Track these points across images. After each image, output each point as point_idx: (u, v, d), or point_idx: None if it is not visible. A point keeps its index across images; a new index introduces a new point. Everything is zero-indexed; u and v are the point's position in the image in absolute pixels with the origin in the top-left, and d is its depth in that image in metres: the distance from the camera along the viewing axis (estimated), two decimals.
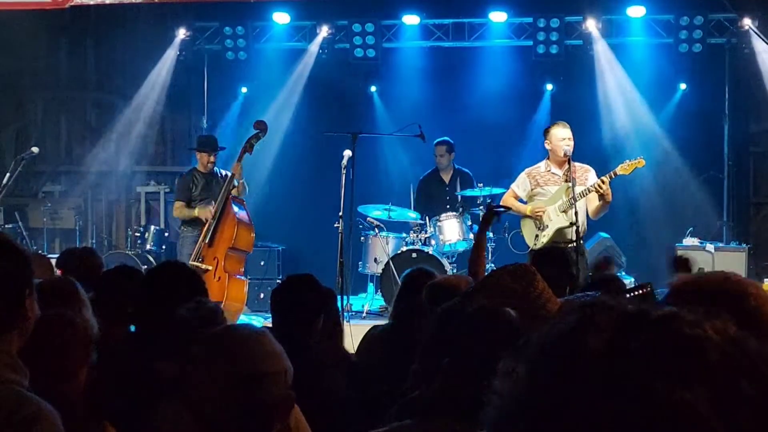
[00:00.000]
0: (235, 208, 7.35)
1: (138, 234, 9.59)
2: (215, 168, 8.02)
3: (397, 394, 2.60)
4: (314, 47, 10.17)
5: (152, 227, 9.70)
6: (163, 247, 9.53)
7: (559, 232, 6.17)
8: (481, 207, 8.33)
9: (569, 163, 6.10)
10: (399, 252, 8.35)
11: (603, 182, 5.96)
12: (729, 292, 1.57)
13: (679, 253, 7.70)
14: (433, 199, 8.89)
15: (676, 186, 10.00)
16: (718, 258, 8.71)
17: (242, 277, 7.42)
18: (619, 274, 7.34)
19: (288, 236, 9.87)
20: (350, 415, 3.12)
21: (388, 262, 8.18)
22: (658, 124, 9.96)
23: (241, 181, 7.47)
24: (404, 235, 8.73)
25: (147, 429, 2.30)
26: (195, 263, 7.07)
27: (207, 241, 7.25)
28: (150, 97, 10.45)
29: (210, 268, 7.12)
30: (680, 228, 9.33)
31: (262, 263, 9.37)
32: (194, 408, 1.82)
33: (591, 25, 9.71)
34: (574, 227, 5.89)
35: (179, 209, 7.89)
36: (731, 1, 9.39)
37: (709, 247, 8.86)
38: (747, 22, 9.36)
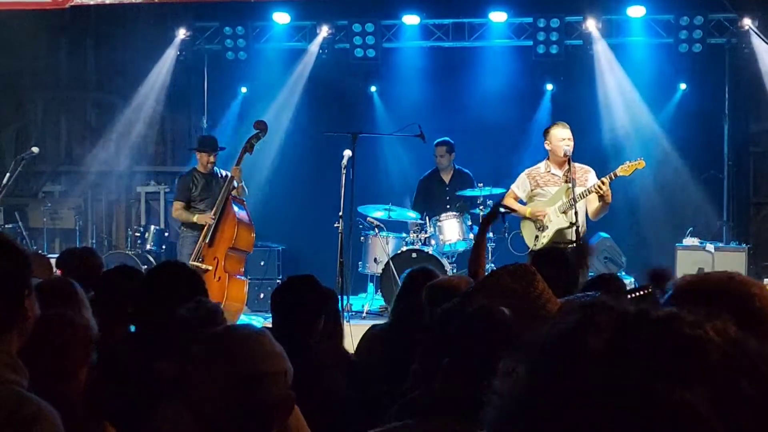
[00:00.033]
0: (236, 208, 7.35)
1: (138, 234, 9.59)
2: (215, 168, 8.02)
3: (397, 394, 2.60)
4: (314, 47, 10.17)
5: (152, 227, 9.70)
6: (163, 247, 9.53)
7: (559, 232, 6.17)
8: (480, 207, 8.33)
9: (569, 164, 6.10)
10: (399, 252, 8.35)
11: (603, 183, 5.96)
12: (733, 293, 1.56)
13: (656, 266, 7.62)
14: (433, 199, 8.89)
15: (675, 186, 10.00)
16: (718, 258, 8.71)
17: (242, 277, 7.42)
18: (619, 274, 7.33)
19: (288, 236, 9.87)
20: (350, 415, 3.12)
21: (388, 262, 8.18)
22: (658, 124, 9.96)
23: (240, 184, 7.47)
24: (404, 235, 8.73)
25: (147, 429, 2.30)
26: (195, 263, 7.08)
27: (207, 241, 7.26)
28: (150, 97, 10.45)
29: (210, 268, 7.12)
30: (680, 228, 9.34)
31: (262, 263, 9.37)
32: (194, 408, 1.82)
33: (591, 25, 9.71)
34: (574, 228, 5.89)
35: (179, 211, 7.88)
36: (731, 1, 9.39)
37: (709, 247, 8.86)
38: (747, 22, 9.36)
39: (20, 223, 9.73)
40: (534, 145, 8.56)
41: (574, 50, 9.91)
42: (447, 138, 8.90)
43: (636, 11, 9.60)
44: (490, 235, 7.72)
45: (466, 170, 8.94)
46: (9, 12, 9.72)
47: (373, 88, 10.60)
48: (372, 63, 10.08)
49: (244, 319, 7.47)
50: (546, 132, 6.39)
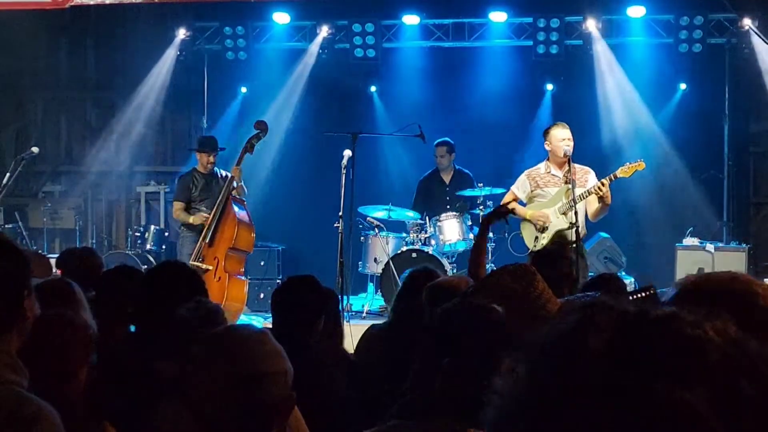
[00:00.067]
0: (236, 208, 7.35)
1: (138, 234, 9.60)
2: (215, 168, 8.02)
3: (397, 394, 2.60)
4: (314, 47, 10.17)
5: (152, 227, 9.70)
6: (163, 247, 9.53)
7: (559, 233, 6.17)
8: (480, 207, 8.33)
9: (569, 164, 6.09)
10: (399, 252, 8.35)
11: (603, 185, 5.96)
12: (737, 292, 1.56)
13: (603, 271, 7.53)
14: (433, 199, 8.89)
15: (675, 186, 10.00)
16: (717, 258, 8.72)
17: (242, 277, 7.42)
18: (619, 274, 7.33)
19: (288, 236, 9.88)
20: (350, 415, 3.12)
21: (388, 262, 8.18)
22: (657, 124, 9.96)
23: (240, 184, 7.47)
24: (404, 235, 8.73)
25: (147, 429, 2.30)
26: (195, 263, 7.08)
27: (207, 241, 7.26)
28: (150, 97, 10.45)
29: (210, 268, 7.12)
30: (680, 228, 9.34)
31: (262, 263, 9.37)
32: (194, 408, 1.82)
33: (591, 25, 9.71)
34: (574, 228, 5.89)
35: (178, 211, 7.89)
36: (731, 1, 9.39)
37: (709, 247, 8.86)
38: (747, 22, 9.36)
39: (20, 223, 9.73)
40: (534, 146, 8.56)
41: (574, 50, 9.91)
42: (447, 138, 8.90)
43: (636, 11, 9.60)
44: (490, 235, 7.71)
45: (466, 170, 8.94)
46: (9, 12, 9.72)
47: (373, 88, 10.60)
48: (372, 63, 10.08)
49: (244, 319, 7.47)
50: (546, 132, 6.39)
